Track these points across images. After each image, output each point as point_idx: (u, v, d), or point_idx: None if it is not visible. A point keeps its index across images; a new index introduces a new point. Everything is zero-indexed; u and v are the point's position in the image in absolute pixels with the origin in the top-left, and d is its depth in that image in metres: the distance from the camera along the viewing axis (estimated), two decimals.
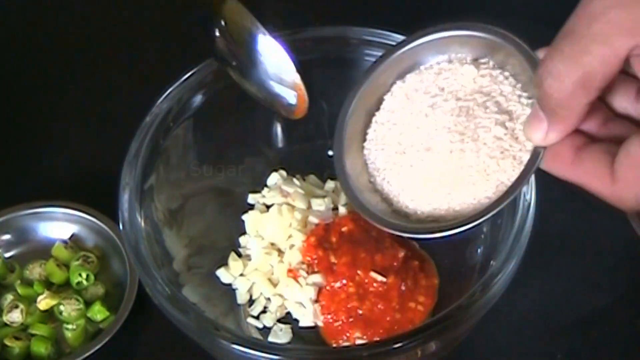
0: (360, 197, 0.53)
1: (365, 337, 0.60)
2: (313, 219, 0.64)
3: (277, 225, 0.64)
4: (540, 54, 0.47)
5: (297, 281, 0.62)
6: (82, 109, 0.79)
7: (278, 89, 0.60)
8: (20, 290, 0.65)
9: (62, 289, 0.66)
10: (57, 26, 0.86)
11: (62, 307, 0.64)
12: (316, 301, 0.62)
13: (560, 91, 0.42)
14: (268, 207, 0.66)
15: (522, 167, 0.49)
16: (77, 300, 0.64)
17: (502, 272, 0.53)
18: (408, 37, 0.54)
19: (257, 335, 0.62)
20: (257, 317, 0.63)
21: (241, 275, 0.64)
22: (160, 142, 0.61)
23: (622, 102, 0.45)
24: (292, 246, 0.64)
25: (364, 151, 0.55)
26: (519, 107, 0.50)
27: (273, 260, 0.64)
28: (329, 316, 0.61)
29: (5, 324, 0.64)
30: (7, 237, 0.68)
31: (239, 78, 0.61)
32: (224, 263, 0.65)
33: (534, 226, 0.54)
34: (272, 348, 0.53)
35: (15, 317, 0.64)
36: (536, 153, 0.47)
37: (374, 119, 0.55)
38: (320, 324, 0.62)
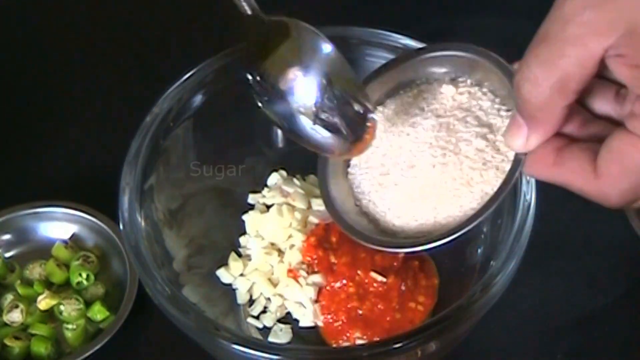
0: (347, 217, 0.54)
1: (365, 337, 0.60)
2: (313, 219, 0.64)
3: (277, 225, 0.64)
4: (516, 66, 0.47)
5: (297, 281, 0.62)
6: (82, 109, 0.79)
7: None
8: (20, 290, 0.65)
9: (62, 289, 0.66)
10: (57, 26, 0.86)
11: (62, 307, 0.64)
12: (316, 301, 0.62)
13: (538, 96, 0.42)
14: (268, 207, 0.66)
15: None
16: (77, 300, 0.64)
17: (502, 272, 0.53)
18: (386, 63, 0.55)
19: (257, 335, 0.62)
20: (257, 317, 0.63)
21: (241, 275, 0.64)
22: (160, 142, 0.61)
23: (602, 105, 0.45)
24: (292, 246, 0.64)
25: (348, 176, 0.56)
26: (498, 120, 0.52)
27: (273, 260, 0.64)
28: (329, 316, 0.61)
29: (5, 324, 0.64)
30: (7, 237, 0.68)
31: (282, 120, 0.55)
32: (224, 263, 0.65)
33: (534, 226, 0.54)
34: (272, 348, 0.53)
35: (15, 317, 0.64)
36: (517, 160, 0.48)
37: None
38: (320, 324, 0.62)
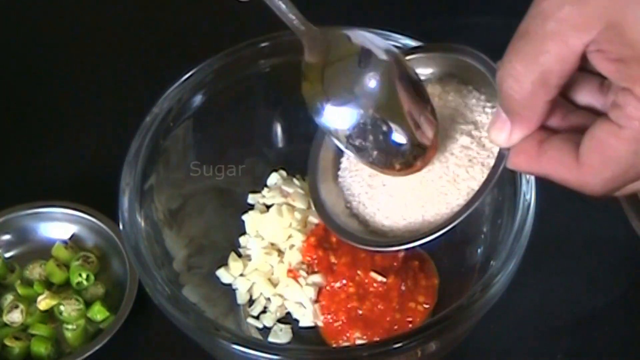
0: (337, 219, 0.55)
1: (365, 337, 0.60)
2: (313, 219, 0.64)
3: (277, 225, 0.64)
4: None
5: (297, 281, 0.62)
6: (82, 109, 0.79)
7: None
8: (20, 290, 0.65)
9: (62, 289, 0.66)
10: (57, 26, 0.86)
11: (62, 307, 0.64)
12: (316, 301, 0.62)
13: (520, 92, 0.42)
14: (268, 207, 0.66)
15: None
16: (77, 300, 0.64)
17: (502, 272, 0.53)
18: None
19: (257, 335, 0.62)
20: (257, 317, 0.63)
21: (241, 275, 0.64)
22: (160, 142, 0.61)
23: (584, 96, 0.45)
24: (292, 246, 0.64)
25: (338, 179, 0.57)
26: (484, 116, 0.52)
27: (273, 260, 0.64)
28: (329, 316, 0.61)
29: (5, 324, 0.64)
30: (7, 237, 0.68)
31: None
32: (224, 263, 0.65)
33: (534, 226, 0.54)
34: (272, 348, 0.53)
35: (15, 317, 0.64)
36: (501, 155, 0.48)
37: None
38: (320, 324, 0.62)
